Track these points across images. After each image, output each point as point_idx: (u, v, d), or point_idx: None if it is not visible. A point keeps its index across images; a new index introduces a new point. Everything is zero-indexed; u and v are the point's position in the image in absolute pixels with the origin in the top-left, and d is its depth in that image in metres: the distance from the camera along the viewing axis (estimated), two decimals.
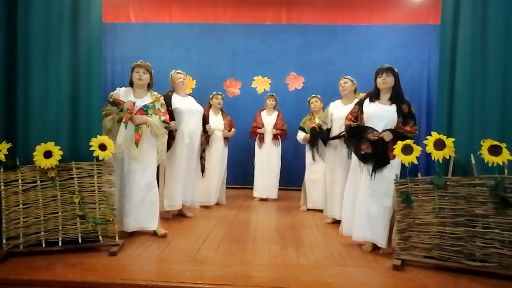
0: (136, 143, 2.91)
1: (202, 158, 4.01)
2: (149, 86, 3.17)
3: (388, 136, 2.68)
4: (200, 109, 3.87)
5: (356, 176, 2.90)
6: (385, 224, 2.69)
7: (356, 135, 2.86)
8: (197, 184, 3.92)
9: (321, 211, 4.18)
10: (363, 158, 2.78)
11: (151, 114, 3.02)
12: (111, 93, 3.08)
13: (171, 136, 3.55)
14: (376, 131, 2.73)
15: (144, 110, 3.02)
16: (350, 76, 3.79)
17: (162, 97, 3.26)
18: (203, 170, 4.03)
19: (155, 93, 3.20)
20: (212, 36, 6.19)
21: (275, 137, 4.99)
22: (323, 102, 4.52)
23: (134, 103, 2.95)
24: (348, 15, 6.14)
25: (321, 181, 4.20)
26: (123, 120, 2.90)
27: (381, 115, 2.78)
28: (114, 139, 2.88)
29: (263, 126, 4.98)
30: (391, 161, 2.69)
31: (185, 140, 3.67)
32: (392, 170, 2.67)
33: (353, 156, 2.95)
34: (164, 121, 3.10)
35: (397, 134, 2.70)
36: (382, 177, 2.70)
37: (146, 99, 3.09)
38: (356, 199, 2.84)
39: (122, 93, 3.07)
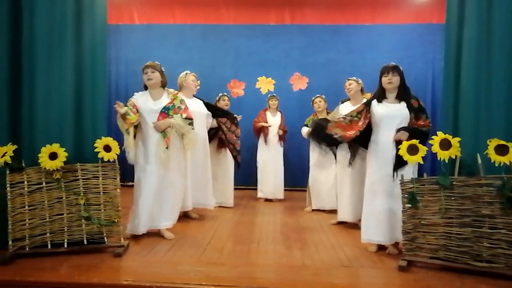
0: (166, 146, 2.94)
1: (234, 150, 4.43)
2: (163, 85, 3.12)
3: (404, 136, 2.64)
4: (205, 111, 3.93)
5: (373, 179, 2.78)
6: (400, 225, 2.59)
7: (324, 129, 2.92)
8: (208, 186, 3.97)
9: (327, 211, 4.20)
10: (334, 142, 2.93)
11: (171, 115, 3.00)
12: (130, 98, 3.05)
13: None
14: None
15: (165, 112, 2.99)
16: (355, 77, 3.78)
17: (180, 93, 3.21)
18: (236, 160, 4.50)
19: (171, 90, 3.17)
20: (215, 37, 6.19)
21: (280, 137, 4.99)
22: (327, 103, 4.52)
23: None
24: (352, 15, 6.12)
25: (328, 181, 4.24)
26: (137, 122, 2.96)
27: (393, 115, 2.74)
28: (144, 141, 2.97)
29: (269, 126, 4.98)
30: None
31: None
32: (408, 170, 2.62)
33: (367, 158, 2.88)
34: (186, 118, 3.06)
35: (413, 130, 2.66)
36: (397, 178, 2.62)
37: (164, 100, 3.05)
38: (372, 202, 2.75)
39: (139, 97, 3.04)
